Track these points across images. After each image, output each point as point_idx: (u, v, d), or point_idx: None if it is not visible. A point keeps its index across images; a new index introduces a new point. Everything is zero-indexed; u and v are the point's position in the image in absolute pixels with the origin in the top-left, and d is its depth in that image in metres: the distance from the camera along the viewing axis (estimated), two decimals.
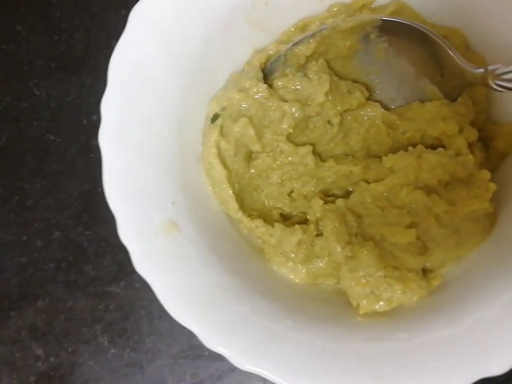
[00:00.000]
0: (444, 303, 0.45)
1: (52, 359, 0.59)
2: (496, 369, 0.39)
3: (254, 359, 0.41)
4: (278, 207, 0.51)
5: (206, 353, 0.57)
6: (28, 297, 0.60)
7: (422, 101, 0.52)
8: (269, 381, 0.55)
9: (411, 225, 0.45)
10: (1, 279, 0.61)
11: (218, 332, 0.41)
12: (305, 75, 0.50)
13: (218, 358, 0.56)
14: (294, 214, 0.51)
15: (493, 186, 0.45)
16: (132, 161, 0.45)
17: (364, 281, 0.44)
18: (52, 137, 0.64)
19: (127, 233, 0.42)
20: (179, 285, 0.42)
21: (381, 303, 0.45)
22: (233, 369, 0.57)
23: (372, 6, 0.53)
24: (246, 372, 0.55)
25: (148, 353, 0.58)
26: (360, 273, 0.45)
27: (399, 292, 0.44)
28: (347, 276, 0.45)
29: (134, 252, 0.42)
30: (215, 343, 0.41)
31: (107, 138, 0.44)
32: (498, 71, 0.45)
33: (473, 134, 0.48)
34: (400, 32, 0.51)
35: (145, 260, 0.42)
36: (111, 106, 0.45)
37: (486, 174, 0.46)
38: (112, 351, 0.59)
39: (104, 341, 0.59)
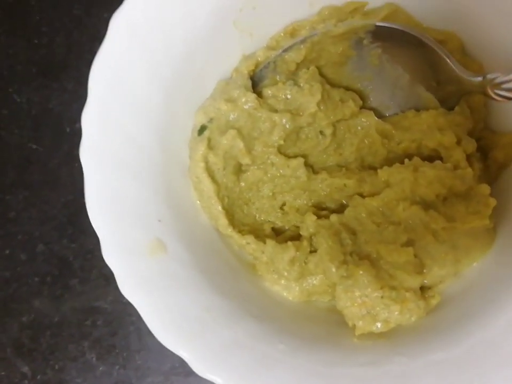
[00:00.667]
0: (442, 323, 0.44)
1: (39, 377, 0.57)
2: None
3: None
4: (269, 221, 0.49)
5: None
6: (12, 312, 0.59)
7: (417, 109, 0.50)
8: None
9: (408, 243, 0.44)
10: None
11: (208, 358, 0.40)
12: (296, 83, 0.48)
13: None
14: (287, 228, 0.49)
15: (493, 201, 0.44)
16: (114, 177, 0.43)
17: (360, 301, 0.43)
18: (34, 146, 0.61)
19: (110, 254, 0.41)
20: (166, 308, 0.41)
21: (378, 324, 0.43)
22: None
23: (365, 9, 0.51)
24: None
25: (138, 370, 0.57)
26: (356, 294, 0.43)
27: (397, 312, 0.43)
28: (342, 296, 0.43)
29: (118, 274, 0.41)
30: (206, 370, 0.40)
31: (88, 154, 0.42)
32: (498, 80, 0.44)
33: (471, 145, 0.46)
34: (394, 38, 0.48)
35: (131, 282, 0.41)
36: (92, 120, 0.43)
37: (486, 189, 0.44)
38: (100, 368, 0.57)
39: (92, 357, 0.57)
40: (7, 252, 0.60)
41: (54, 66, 0.63)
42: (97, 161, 0.43)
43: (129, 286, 0.41)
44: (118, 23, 0.44)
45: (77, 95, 0.61)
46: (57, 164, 0.61)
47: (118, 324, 0.57)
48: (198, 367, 0.40)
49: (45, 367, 0.57)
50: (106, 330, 0.57)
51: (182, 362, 0.55)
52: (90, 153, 0.43)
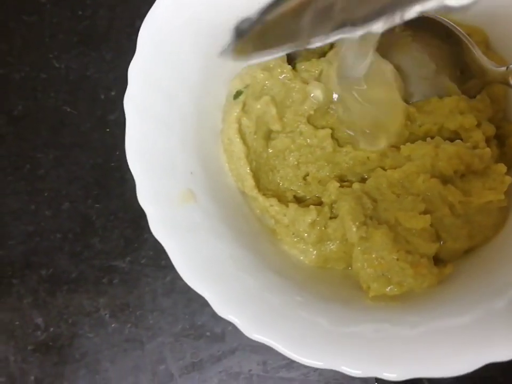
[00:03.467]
0: (453, 292, 0.45)
1: (52, 329, 0.59)
2: (503, 354, 0.39)
3: (262, 329, 0.41)
4: (292, 189, 0.51)
5: (208, 334, 0.57)
6: (32, 266, 0.60)
7: (440, 97, 0.52)
8: (269, 364, 0.56)
9: (425, 212, 0.46)
10: (6, 247, 0.61)
11: (229, 300, 0.41)
12: (328, 60, 0.51)
13: (220, 339, 0.57)
14: (308, 197, 0.51)
15: (508, 179, 0.46)
16: (152, 129, 0.45)
17: (376, 263, 0.45)
18: (68, 109, 0.64)
19: (145, 196, 0.43)
20: (193, 251, 0.43)
21: (392, 286, 0.45)
22: (233, 351, 0.57)
23: None
24: (246, 354, 0.56)
25: (149, 330, 0.58)
26: (373, 255, 0.45)
27: (410, 276, 0.44)
28: (360, 257, 0.45)
29: (150, 215, 0.43)
30: (226, 311, 0.41)
31: (131, 105, 0.45)
32: None
33: (490, 129, 0.49)
34: (424, 27, 0.51)
35: (161, 224, 0.42)
36: (137, 74, 0.46)
37: (502, 167, 0.46)
38: (113, 325, 0.58)
39: (106, 314, 0.59)
40: (33, 207, 0.62)
41: (94, 37, 0.66)
42: (138, 111, 0.45)
43: (160, 227, 0.43)
44: None
45: (114, 65, 0.64)
46: (89, 128, 0.63)
47: (133, 284, 0.59)
48: (218, 307, 0.41)
49: (58, 320, 0.59)
50: (121, 289, 0.59)
51: (193, 325, 0.58)
52: (133, 103, 0.45)
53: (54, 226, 0.61)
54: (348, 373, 0.41)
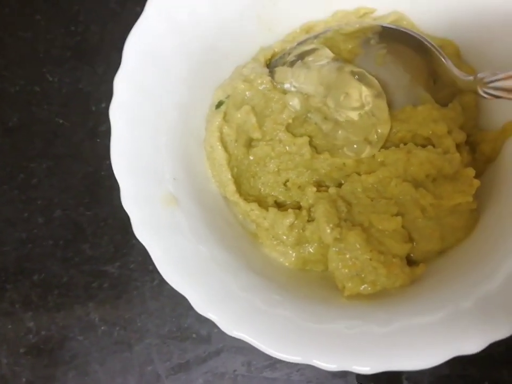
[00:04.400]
0: (425, 291, 0.47)
1: (43, 333, 0.61)
2: (470, 348, 0.41)
3: (241, 326, 0.43)
4: (273, 195, 0.53)
5: (194, 336, 0.59)
6: (25, 271, 0.62)
7: (414, 106, 0.55)
8: (253, 364, 0.58)
9: (398, 215, 0.48)
10: (0, 253, 0.63)
11: (209, 299, 0.43)
12: (305, 64, 0.53)
13: (206, 340, 0.59)
14: (288, 202, 0.54)
15: (476, 182, 0.48)
16: (138, 135, 0.48)
17: (350, 263, 0.47)
18: (61, 121, 0.66)
19: (128, 199, 0.45)
20: (175, 252, 0.45)
21: (365, 285, 0.47)
22: (218, 352, 0.59)
23: (373, 15, 0.57)
24: (231, 355, 0.58)
25: (137, 332, 0.60)
26: (347, 256, 0.47)
27: (383, 275, 0.46)
28: (334, 257, 0.47)
29: (134, 218, 0.45)
30: (206, 309, 0.43)
31: (116, 112, 0.47)
32: (486, 79, 0.49)
33: (461, 136, 0.51)
34: (398, 40, 0.54)
35: (144, 226, 0.45)
36: (124, 83, 0.48)
37: (471, 171, 0.49)
38: (102, 328, 0.60)
39: (95, 318, 0.61)
40: (26, 215, 0.64)
41: (87, 52, 0.69)
42: (124, 119, 0.48)
43: (143, 229, 0.45)
44: (154, 3, 0.49)
45: (106, 78, 0.67)
46: (81, 139, 0.66)
47: (122, 288, 0.61)
48: (199, 305, 0.43)
49: (49, 324, 0.61)
50: (111, 293, 0.61)
51: (180, 327, 0.60)
52: (118, 112, 0.48)
53: (46, 233, 0.63)
54: (323, 367, 0.42)
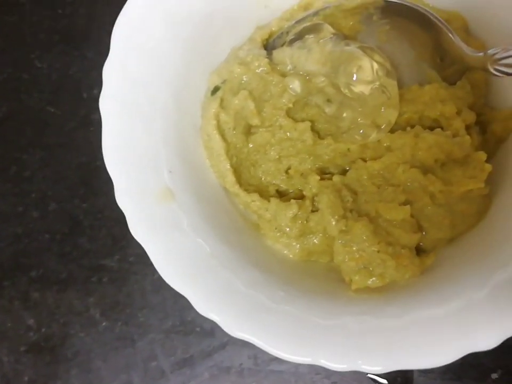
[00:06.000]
0: (436, 282, 0.45)
1: (43, 330, 0.59)
2: (484, 344, 0.39)
3: (244, 326, 0.41)
4: (274, 184, 0.51)
5: (198, 329, 0.58)
6: (22, 267, 0.61)
7: (421, 85, 0.52)
8: (259, 357, 0.56)
9: (406, 203, 0.46)
10: None
11: (210, 299, 0.42)
12: (305, 45, 0.50)
13: (210, 334, 0.57)
14: (291, 191, 0.51)
15: (488, 167, 0.46)
16: (130, 127, 0.45)
17: (357, 256, 0.45)
18: (52, 110, 0.64)
19: (123, 196, 0.43)
20: (173, 250, 0.43)
21: (374, 278, 0.45)
22: (224, 345, 0.57)
23: None
24: (237, 348, 0.56)
25: (140, 327, 0.58)
26: (354, 248, 0.45)
27: (392, 268, 0.44)
28: (341, 250, 0.45)
29: (129, 216, 0.43)
30: (207, 310, 0.41)
31: (107, 103, 0.45)
32: (497, 56, 0.46)
33: (471, 116, 0.48)
34: (402, 15, 0.51)
35: (140, 224, 0.43)
36: (113, 72, 0.46)
37: (482, 155, 0.46)
38: (103, 323, 0.59)
39: (96, 313, 0.59)
40: (20, 209, 0.62)
41: (75, 36, 0.66)
42: (115, 111, 0.45)
43: (138, 227, 0.43)
44: None
45: (96, 63, 0.62)
46: (73, 127, 0.63)
47: (122, 282, 0.59)
48: (199, 305, 0.41)
49: (50, 321, 0.59)
50: (111, 287, 0.59)
51: (183, 321, 0.58)
52: (109, 103, 0.45)
53: (42, 227, 0.61)
54: (332, 368, 0.41)
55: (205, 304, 0.41)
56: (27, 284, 0.60)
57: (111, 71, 0.45)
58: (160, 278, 0.58)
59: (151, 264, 0.59)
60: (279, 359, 0.56)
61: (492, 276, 0.42)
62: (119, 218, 0.60)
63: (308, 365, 0.55)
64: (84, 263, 0.60)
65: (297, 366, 0.56)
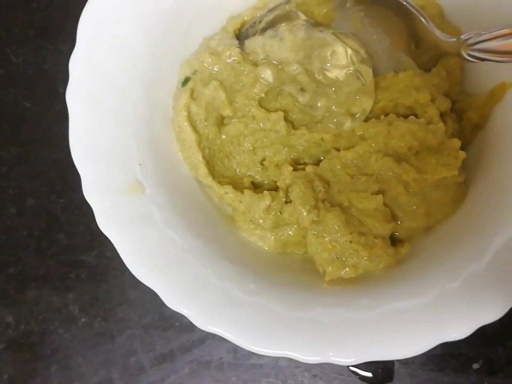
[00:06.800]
0: (410, 273, 0.45)
1: (22, 327, 0.59)
2: (458, 334, 0.39)
3: (214, 320, 0.40)
4: (249, 175, 0.50)
5: (177, 324, 0.57)
6: (0, 264, 0.60)
7: (396, 72, 0.51)
8: (239, 351, 0.56)
9: (379, 192, 0.45)
10: None
11: (180, 293, 0.41)
12: (276, 34, 0.50)
13: (189, 329, 0.56)
14: (266, 182, 0.51)
15: (462, 154, 0.45)
16: (98, 120, 0.45)
17: (329, 246, 0.44)
18: (28, 105, 0.63)
19: (90, 190, 0.42)
20: (142, 244, 0.42)
21: (347, 269, 0.44)
22: (203, 340, 0.56)
23: None
24: (216, 343, 0.56)
25: (119, 323, 0.58)
26: (326, 239, 0.44)
27: (365, 258, 0.44)
28: (313, 241, 0.44)
29: (96, 209, 0.42)
30: (177, 304, 0.41)
31: (74, 97, 0.44)
32: (471, 41, 0.45)
33: (445, 104, 0.48)
34: (376, 1, 0.50)
35: (108, 218, 0.42)
36: (79, 64, 0.45)
37: (456, 142, 0.45)
38: (82, 319, 0.58)
39: (75, 309, 0.58)
40: None
41: (50, 30, 0.65)
42: (82, 104, 0.45)
43: (106, 221, 0.42)
44: None
45: None
46: (49, 123, 0.62)
47: (101, 278, 0.59)
48: (169, 299, 0.41)
49: (28, 318, 0.59)
50: (89, 283, 0.59)
51: (162, 316, 0.58)
52: (75, 96, 0.45)
53: (20, 224, 0.61)
54: (304, 361, 0.40)
55: (175, 298, 0.41)
56: (5, 281, 0.60)
57: (77, 63, 0.45)
58: None
59: None
60: None
61: (465, 266, 0.42)
62: None
63: (288, 358, 0.55)
64: (62, 259, 0.60)
65: (277, 359, 0.55)
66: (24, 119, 0.63)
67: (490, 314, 0.38)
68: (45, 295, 0.59)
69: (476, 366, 0.53)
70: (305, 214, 0.44)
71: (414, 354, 0.39)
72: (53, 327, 0.58)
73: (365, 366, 0.54)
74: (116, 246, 0.42)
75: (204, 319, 0.40)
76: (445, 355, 0.53)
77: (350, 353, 0.39)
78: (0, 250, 0.60)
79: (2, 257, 0.60)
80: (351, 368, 0.54)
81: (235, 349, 0.56)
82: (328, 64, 0.48)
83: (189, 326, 0.57)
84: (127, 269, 0.58)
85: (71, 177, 0.60)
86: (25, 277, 0.60)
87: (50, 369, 0.58)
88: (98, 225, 0.42)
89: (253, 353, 0.55)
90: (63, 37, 0.64)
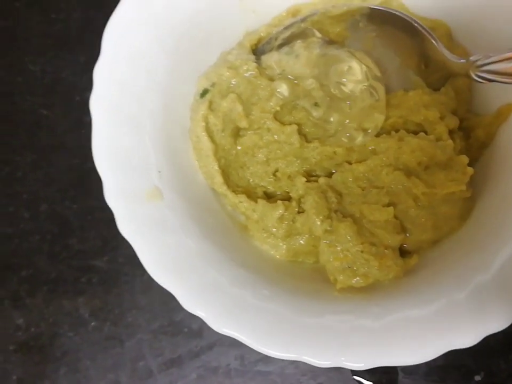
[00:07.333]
0: (418, 284, 0.46)
1: (32, 329, 0.60)
2: (464, 342, 0.40)
3: (229, 323, 0.41)
4: (262, 186, 0.52)
5: (186, 330, 0.58)
6: (12, 267, 0.61)
7: (406, 91, 0.53)
8: (246, 358, 0.57)
9: (390, 204, 0.47)
10: None
11: (197, 296, 0.42)
12: (292, 51, 0.52)
13: (197, 335, 0.58)
14: (278, 193, 0.52)
15: (470, 170, 0.47)
16: (120, 128, 0.46)
17: (341, 255, 0.46)
18: (45, 112, 0.65)
19: (112, 195, 0.44)
20: (160, 248, 0.43)
21: (357, 278, 0.46)
22: (211, 346, 0.58)
23: None
24: (224, 349, 0.57)
25: (128, 328, 0.59)
26: (338, 248, 0.46)
27: (376, 268, 0.45)
28: (325, 250, 0.46)
29: (118, 214, 0.43)
30: (194, 306, 0.42)
31: (97, 104, 0.46)
32: (479, 62, 0.47)
33: (454, 121, 0.50)
34: (387, 22, 0.52)
35: (129, 222, 0.43)
36: (103, 74, 0.46)
37: (464, 159, 0.47)
38: (92, 323, 0.59)
39: (85, 313, 0.59)
40: (11, 209, 0.62)
41: (69, 40, 0.67)
42: (104, 112, 0.46)
43: (127, 225, 0.44)
44: None
45: (89, 67, 0.63)
46: (65, 130, 0.64)
47: (112, 283, 0.60)
48: (186, 303, 0.42)
49: (39, 320, 0.60)
50: (100, 288, 0.60)
51: (171, 322, 0.59)
52: (98, 104, 0.46)
53: (33, 228, 0.62)
54: (315, 364, 0.41)
55: (192, 301, 0.42)
56: (17, 284, 0.61)
57: (101, 72, 0.46)
58: (149, 279, 0.59)
59: (141, 265, 0.59)
60: (266, 359, 0.57)
61: (472, 277, 0.43)
62: (109, 220, 0.61)
63: (294, 366, 0.57)
64: (74, 264, 0.61)
65: (283, 367, 0.57)
66: (40, 126, 0.64)
67: (497, 324, 0.40)
68: (55, 299, 0.60)
69: (477, 378, 0.55)
70: (318, 223, 0.46)
71: (422, 361, 0.40)
72: (62, 330, 0.59)
73: (369, 375, 0.55)
74: (135, 249, 0.43)
75: (219, 322, 0.42)
76: (448, 366, 0.55)
77: (360, 359, 0.41)
78: (13, 254, 0.61)
79: (14, 260, 0.61)
80: (355, 377, 0.56)
81: (242, 355, 0.57)
82: (344, 79, 0.50)
83: (197, 332, 0.58)
84: (138, 274, 0.60)
85: (85, 184, 0.63)
86: (37, 280, 0.61)
87: (59, 371, 0.58)
88: (118, 229, 0.44)
89: (260, 360, 0.57)
90: (80, 48, 0.66)
